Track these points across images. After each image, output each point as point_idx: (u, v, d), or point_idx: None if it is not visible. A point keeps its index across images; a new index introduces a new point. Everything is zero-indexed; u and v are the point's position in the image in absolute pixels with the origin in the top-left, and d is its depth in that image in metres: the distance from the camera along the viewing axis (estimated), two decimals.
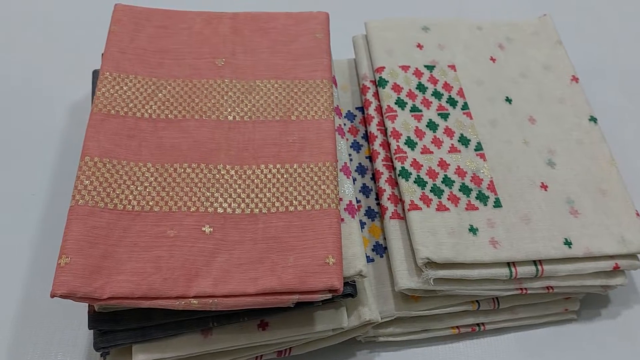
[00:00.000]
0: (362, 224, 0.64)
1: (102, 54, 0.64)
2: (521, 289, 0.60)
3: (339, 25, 0.81)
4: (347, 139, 0.70)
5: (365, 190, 0.67)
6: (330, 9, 0.73)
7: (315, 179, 0.57)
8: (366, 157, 0.69)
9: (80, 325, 0.61)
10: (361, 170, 0.68)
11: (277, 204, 0.55)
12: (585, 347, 0.63)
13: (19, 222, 0.68)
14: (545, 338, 0.64)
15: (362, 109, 0.73)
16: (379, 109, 0.69)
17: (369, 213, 0.65)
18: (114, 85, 0.60)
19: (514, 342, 0.63)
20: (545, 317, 0.64)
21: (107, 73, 0.61)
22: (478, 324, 0.63)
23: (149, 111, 0.60)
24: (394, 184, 0.63)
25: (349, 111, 0.73)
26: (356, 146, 0.70)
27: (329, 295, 0.51)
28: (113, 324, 0.52)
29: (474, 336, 0.63)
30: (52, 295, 0.48)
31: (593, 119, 0.69)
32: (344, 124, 0.71)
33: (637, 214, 0.63)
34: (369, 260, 0.62)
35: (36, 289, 0.63)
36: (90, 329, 0.52)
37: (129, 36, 0.64)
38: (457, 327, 0.62)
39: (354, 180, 0.67)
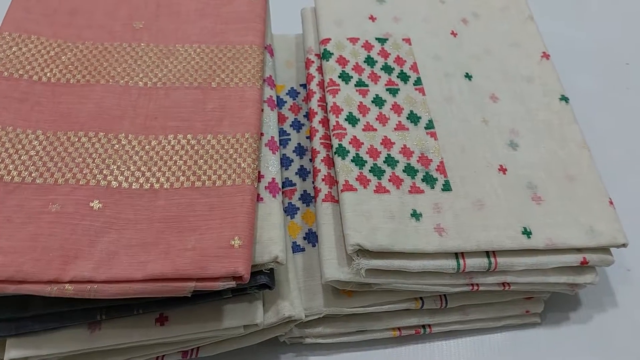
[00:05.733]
0: (296, 209, 0.56)
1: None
2: (472, 284, 0.52)
3: (290, 0, 0.75)
4: (287, 116, 0.63)
5: (302, 172, 0.59)
6: None
7: (231, 151, 0.49)
8: (306, 138, 0.62)
9: None
10: (300, 151, 0.61)
11: (182, 179, 0.48)
12: (549, 355, 0.55)
13: None
14: (503, 344, 0.56)
15: (306, 86, 0.65)
16: (322, 83, 0.62)
17: (304, 197, 0.57)
18: (12, 46, 0.53)
19: (466, 348, 0.55)
20: (503, 320, 0.56)
21: (6, 33, 0.54)
22: (423, 326, 0.54)
23: (49, 74, 0.52)
24: (331, 164, 0.56)
25: (292, 88, 0.66)
26: (297, 125, 0.63)
27: (232, 283, 0.43)
28: None
29: (419, 340, 0.55)
30: None
31: (564, 99, 0.62)
32: (285, 102, 0.64)
33: (610, 203, 0.55)
34: (299, 249, 0.54)
35: None
36: None
37: None
38: (398, 328, 0.54)
39: (291, 161, 0.60)
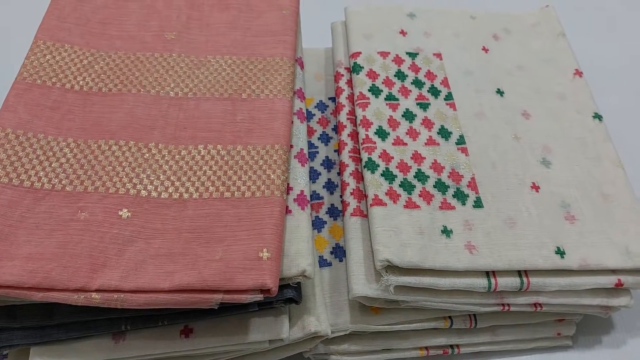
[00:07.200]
0: (323, 223, 0.56)
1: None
2: (503, 304, 0.50)
3: (321, 14, 0.75)
4: (315, 129, 0.62)
5: (329, 186, 0.58)
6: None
7: (261, 162, 0.49)
8: (334, 151, 0.61)
9: None
10: (328, 164, 0.60)
11: (211, 189, 0.47)
12: None
13: None
14: None
15: (335, 99, 0.65)
16: (351, 97, 0.61)
17: (332, 211, 0.57)
18: (46, 54, 0.54)
19: None
20: (533, 342, 0.55)
21: (40, 42, 0.55)
22: (451, 346, 0.53)
23: (81, 83, 0.53)
24: (360, 177, 0.55)
25: (320, 101, 0.65)
26: (325, 138, 0.62)
27: (260, 296, 0.42)
28: (8, 320, 0.44)
29: None
30: None
31: (598, 116, 0.60)
32: (314, 115, 0.64)
33: None
34: (326, 264, 0.53)
35: None
36: None
37: (72, 5, 0.58)
38: (426, 347, 0.53)
39: (319, 174, 0.59)
